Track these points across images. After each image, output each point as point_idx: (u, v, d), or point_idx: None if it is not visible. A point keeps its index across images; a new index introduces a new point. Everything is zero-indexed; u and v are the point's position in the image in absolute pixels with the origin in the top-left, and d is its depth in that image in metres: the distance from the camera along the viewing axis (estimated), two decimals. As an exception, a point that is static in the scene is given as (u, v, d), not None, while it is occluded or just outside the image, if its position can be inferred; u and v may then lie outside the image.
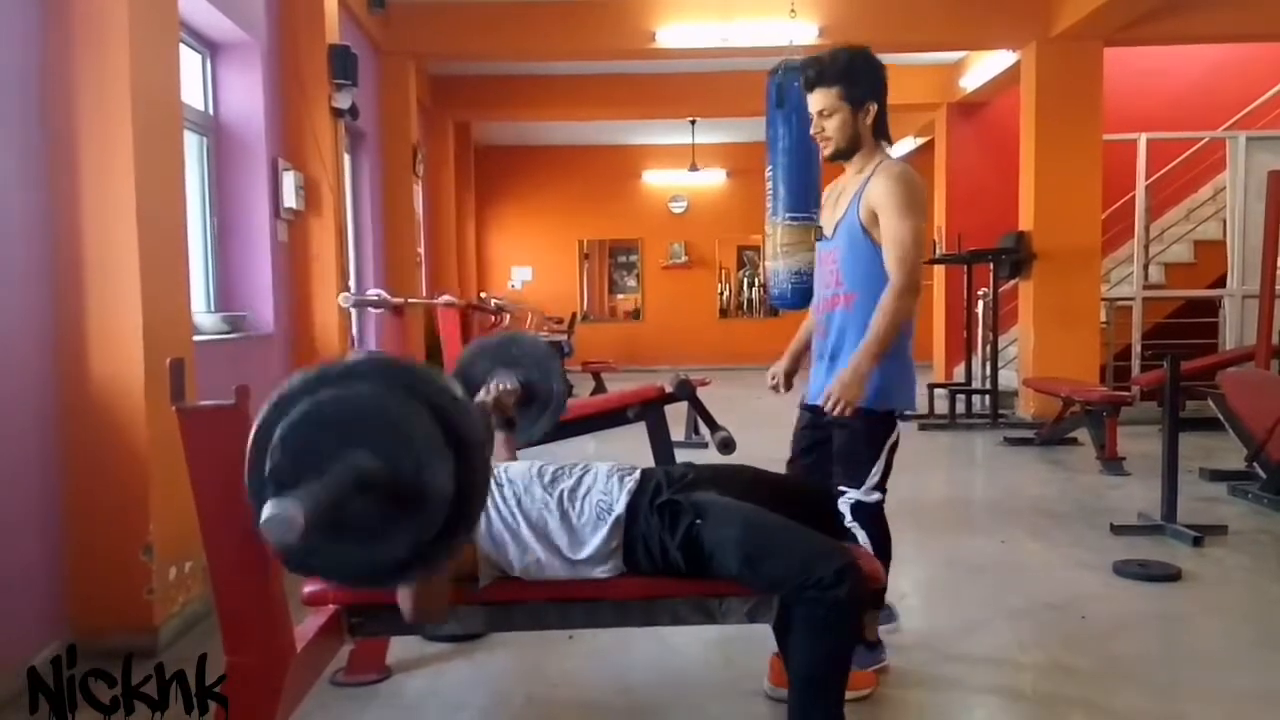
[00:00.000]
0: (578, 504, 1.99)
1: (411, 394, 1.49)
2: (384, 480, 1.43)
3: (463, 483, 1.49)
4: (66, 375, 2.77)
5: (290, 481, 1.39)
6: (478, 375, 2.90)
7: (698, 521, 1.92)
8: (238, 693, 1.69)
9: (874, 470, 2.47)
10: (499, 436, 2.63)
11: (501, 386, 2.76)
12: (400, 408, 1.48)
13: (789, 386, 2.82)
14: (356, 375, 1.51)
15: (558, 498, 2.00)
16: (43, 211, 2.74)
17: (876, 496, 2.48)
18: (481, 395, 2.68)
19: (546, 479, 2.05)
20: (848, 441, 2.49)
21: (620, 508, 1.97)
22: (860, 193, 2.49)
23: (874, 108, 2.52)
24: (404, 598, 1.78)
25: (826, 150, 2.57)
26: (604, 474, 2.06)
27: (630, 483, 2.03)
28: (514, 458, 2.55)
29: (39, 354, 2.70)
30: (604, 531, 1.95)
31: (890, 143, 2.61)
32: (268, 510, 1.24)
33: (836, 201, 2.63)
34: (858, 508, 2.45)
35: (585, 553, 1.95)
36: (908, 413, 2.63)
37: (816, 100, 2.52)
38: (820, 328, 2.64)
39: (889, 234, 2.43)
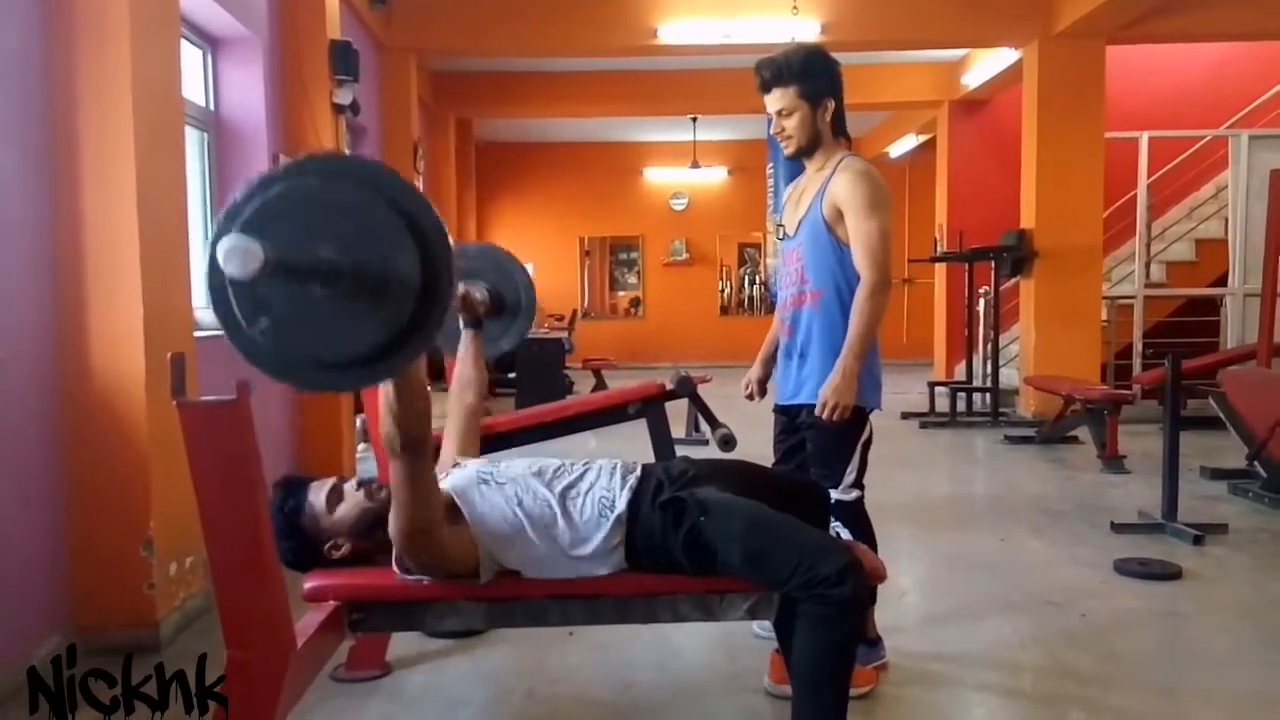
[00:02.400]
0: (579, 501, 1.99)
1: (368, 186, 1.47)
2: (348, 268, 1.41)
3: (428, 273, 1.45)
4: (67, 370, 2.77)
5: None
6: None
7: (701, 519, 1.92)
8: (238, 688, 1.69)
9: (850, 469, 2.49)
10: (467, 334, 2.64)
11: (468, 291, 2.75)
12: (358, 199, 1.45)
13: (763, 393, 2.84)
14: (309, 171, 1.49)
15: (559, 494, 1.99)
16: (44, 207, 2.73)
17: (855, 494, 2.50)
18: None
19: (547, 476, 2.04)
20: (822, 442, 2.51)
21: (622, 505, 1.97)
22: (823, 190, 2.51)
23: (832, 104, 2.54)
24: (385, 415, 1.70)
25: (788, 149, 2.58)
26: (605, 471, 2.06)
27: (632, 480, 2.03)
28: (487, 366, 2.57)
29: (40, 349, 2.70)
30: (605, 529, 1.95)
31: (849, 139, 2.63)
32: (228, 241, 1.21)
33: (799, 200, 2.64)
34: (838, 507, 2.46)
35: (587, 550, 1.95)
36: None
37: (775, 100, 2.54)
38: (786, 326, 2.65)
39: (856, 233, 2.45)
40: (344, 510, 2.01)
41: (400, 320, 1.44)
